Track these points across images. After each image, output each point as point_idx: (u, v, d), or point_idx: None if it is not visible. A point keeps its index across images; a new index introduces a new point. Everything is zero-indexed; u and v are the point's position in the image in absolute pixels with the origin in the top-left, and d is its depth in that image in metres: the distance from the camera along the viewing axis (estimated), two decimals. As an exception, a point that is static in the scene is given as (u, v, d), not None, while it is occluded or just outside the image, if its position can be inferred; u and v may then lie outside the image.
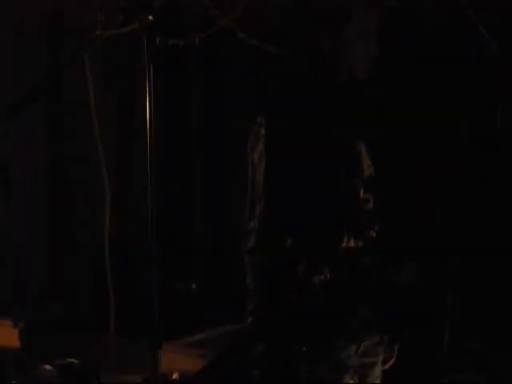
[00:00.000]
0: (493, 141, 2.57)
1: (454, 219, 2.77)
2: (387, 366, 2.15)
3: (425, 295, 2.13)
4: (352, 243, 2.03)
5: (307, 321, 2.00)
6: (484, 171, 2.78)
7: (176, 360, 2.75)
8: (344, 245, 2.02)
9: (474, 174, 2.86)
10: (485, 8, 2.52)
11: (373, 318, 2.03)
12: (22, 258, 3.96)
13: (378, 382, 2.14)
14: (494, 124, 2.46)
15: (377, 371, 2.12)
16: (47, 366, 2.81)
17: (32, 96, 2.68)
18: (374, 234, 2.08)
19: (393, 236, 2.11)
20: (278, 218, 2.00)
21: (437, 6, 2.96)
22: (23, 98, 2.46)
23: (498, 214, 2.80)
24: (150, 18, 2.64)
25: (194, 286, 3.48)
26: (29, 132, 3.90)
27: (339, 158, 2.01)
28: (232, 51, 3.55)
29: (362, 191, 2.07)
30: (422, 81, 2.19)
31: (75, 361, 2.75)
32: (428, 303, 2.16)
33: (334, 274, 2.00)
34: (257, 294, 2.03)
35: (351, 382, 2.03)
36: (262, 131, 2.02)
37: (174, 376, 2.68)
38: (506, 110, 2.53)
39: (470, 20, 2.36)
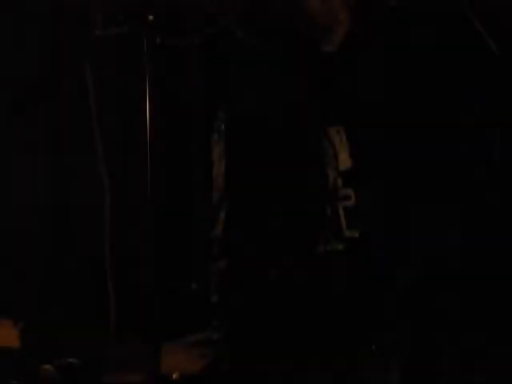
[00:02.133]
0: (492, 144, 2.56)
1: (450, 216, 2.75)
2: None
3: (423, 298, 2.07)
4: (330, 245, 1.94)
5: (279, 329, 1.95)
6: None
7: (176, 360, 2.75)
8: (320, 247, 1.93)
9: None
10: (485, 9, 2.51)
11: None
12: (21, 258, 3.96)
13: None
14: (495, 128, 2.45)
15: None
16: (47, 366, 2.81)
17: (32, 97, 2.69)
18: (357, 234, 1.98)
19: (379, 236, 2.00)
20: (241, 222, 1.93)
21: (436, 6, 2.96)
22: (23, 98, 2.47)
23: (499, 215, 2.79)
24: (151, 18, 2.65)
25: (194, 285, 3.48)
26: (29, 132, 3.90)
27: (309, 150, 1.91)
28: (232, 51, 3.55)
29: (339, 187, 1.95)
30: (421, 81, 2.15)
31: (75, 361, 2.75)
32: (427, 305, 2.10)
33: (309, 279, 1.93)
34: (221, 305, 1.97)
35: None
36: (223, 127, 1.95)
37: (174, 376, 2.68)
38: (507, 112, 2.52)
39: (470, 21, 2.34)
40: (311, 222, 1.94)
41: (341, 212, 1.98)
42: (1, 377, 2.87)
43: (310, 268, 1.94)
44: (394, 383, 1.97)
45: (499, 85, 2.47)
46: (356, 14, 1.94)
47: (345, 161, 1.98)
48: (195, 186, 3.66)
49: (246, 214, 1.92)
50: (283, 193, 1.93)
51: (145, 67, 2.65)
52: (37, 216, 4.16)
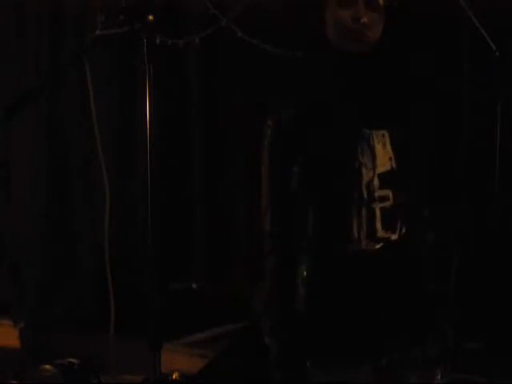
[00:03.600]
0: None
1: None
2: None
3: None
4: (364, 245, 1.93)
5: (318, 326, 1.95)
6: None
7: (176, 360, 2.75)
8: (354, 247, 1.93)
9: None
10: (485, 10, 2.51)
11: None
12: (22, 259, 3.96)
13: None
14: (494, 125, 2.45)
15: None
16: (47, 366, 2.81)
17: (32, 95, 2.68)
18: (395, 237, 1.97)
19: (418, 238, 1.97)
20: (288, 222, 1.95)
21: (437, 7, 2.96)
22: (24, 97, 2.46)
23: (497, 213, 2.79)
24: (151, 17, 2.63)
25: (194, 285, 3.48)
26: (29, 131, 3.90)
27: (345, 152, 1.92)
28: (232, 51, 3.55)
29: (376, 188, 1.96)
30: (422, 79, 2.14)
31: (75, 361, 2.75)
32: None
33: (342, 278, 1.93)
34: (270, 296, 1.98)
35: None
36: (269, 132, 1.98)
37: (174, 376, 2.68)
38: (506, 111, 2.52)
39: (470, 22, 2.34)
40: (345, 221, 1.95)
41: (377, 213, 1.99)
42: (1, 377, 2.86)
43: (343, 267, 1.96)
44: None
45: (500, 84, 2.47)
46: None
47: (384, 163, 1.99)
48: (195, 187, 3.66)
49: (291, 211, 1.96)
50: (319, 192, 1.96)
51: (145, 67, 2.63)
52: (36, 217, 4.17)
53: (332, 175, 1.92)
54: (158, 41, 3.37)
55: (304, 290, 1.95)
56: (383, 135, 1.94)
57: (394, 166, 1.95)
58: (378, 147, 1.95)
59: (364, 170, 1.93)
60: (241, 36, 3.37)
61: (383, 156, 1.94)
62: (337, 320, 1.93)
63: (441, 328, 2.01)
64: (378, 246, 1.92)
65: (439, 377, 2.00)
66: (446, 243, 2.04)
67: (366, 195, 1.93)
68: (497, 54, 2.24)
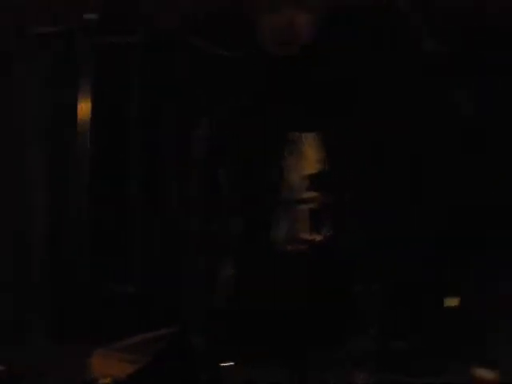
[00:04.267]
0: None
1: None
2: None
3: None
4: (288, 246, 1.95)
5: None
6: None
7: (108, 365, 2.72)
8: (279, 247, 1.94)
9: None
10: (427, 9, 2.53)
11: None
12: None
13: None
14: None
15: None
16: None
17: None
18: (320, 238, 2.00)
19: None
20: (217, 222, 1.96)
21: (379, 7, 2.97)
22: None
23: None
24: (89, 17, 2.61)
25: (130, 288, 3.44)
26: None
27: (272, 155, 1.93)
28: (176, 52, 3.53)
29: (303, 190, 1.97)
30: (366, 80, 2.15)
31: (2, 367, 2.69)
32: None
33: (268, 277, 1.95)
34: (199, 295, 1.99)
35: None
36: (200, 134, 1.98)
37: (107, 381, 2.65)
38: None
39: (412, 21, 2.36)
40: (270, 223, 1.95)
41: (303, 215, 2.00)
42: None
43: (268, 267, 1.96)
44: None
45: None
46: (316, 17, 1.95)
47: (313, 166, 1.99)
48: (133, 189, 3.63)
49: (219, 212, 1.96)
50: (244, 193, 1.95)
51: (83, 67, 2.60)
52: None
53: (257, 177, 1.93)
54: (98, 40, 3.34)
55: (229, 290, 1.96)
56: (314, 137, 1.95)
57: (323, 168, 1.96)
58: (308, 149, 1.96)
59: (291, 173, 1.94)
60: (182, 37, 3.36)
61: (312, 158, 1.94)
62: (260, 320, 1.94)
63: (366, 329, 2.03)
64: (302, 248, 1.94)
65: (361, 377, 2.03)
66: (377, 246, 2.06)
67: (292, 197, 1.94)
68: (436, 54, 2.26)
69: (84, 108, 2.64)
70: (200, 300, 1.99)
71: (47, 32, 2.66)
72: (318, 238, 1.97)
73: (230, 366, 1.94)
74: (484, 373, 2.57)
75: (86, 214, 2.49)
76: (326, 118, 1.99)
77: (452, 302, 2.81)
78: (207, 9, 3.33)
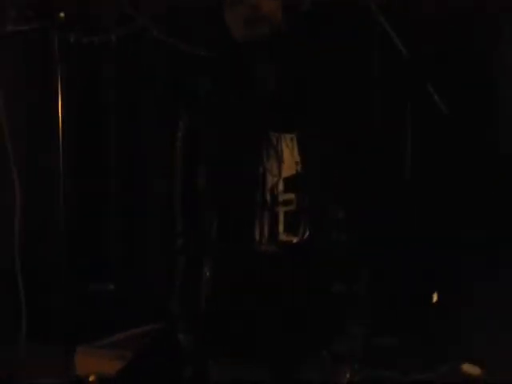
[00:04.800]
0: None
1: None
2: None
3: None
4: (265, 247, 1.94)
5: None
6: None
7: (92, 362, 2.71)
8: (256, 248, 1.93)
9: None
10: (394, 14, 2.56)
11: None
12: None
13: None
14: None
15: None
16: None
17: None
18: (296, 240, 1.97)
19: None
20: (195, 223, 1.96)
21: (348, 11, 3.00)
22: None
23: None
24: (62, 15, 2.60)
25: (110, 286, 3.44)
26: None
27: (249, 157, 1.92)
28: (149, 50, 3.52)
29: (279, 192, 1.96)
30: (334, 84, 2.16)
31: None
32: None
33: (245, 277, 1.94)
34: (180, 294, 1.99)
35: None
36: (179, 135, 1.97)
37: (91, 379, 2.64)
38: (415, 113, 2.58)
39: (381, 27, 2.38)
40: (247, 224, 1.95)
41: (280, 216, 1.99)
42: None
43: (245, 268, 1.96)
44: None
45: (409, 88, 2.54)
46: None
47: (291, 168, 1.97)
48: (110, 187, 3.61)
49: (197, 213, 1.95)
50: (222, 194, 1.95)
51: (56, 65, 2.59)
52: None
53: (235, 178, 1.92)
54: (71, 39, 3.31)
55: (207, 290, 1.96)
56: (291, 139, 1.94)
57: (300, 170, 1.95)
58: (286, 151, 1.95)
59: (269, 175, 1.94)
60: (157, 35, 3.35)
61: (290, 160, 1.94)
62: (239, 320, 1.94)
63: (350, 327, 2.04)
64: (279, 249, 1.94)
65: (348, 375, 2.03)
66: (356, 244, 2.07)
67: (269, 199, 1.94)
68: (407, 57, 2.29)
69: (57, 106, 2.62)
70: (180, 300, 1.99)
71: (20, 30, 2.62)
72: (294, 239, 1.98)
73: (216, 363, 1.95)
74: (470, 368, 2.61)
75: (64, 213, 2.47)
76: (303, 118, 1.99)
77: (435, 297, 2.84)
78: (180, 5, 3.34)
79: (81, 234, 3.33)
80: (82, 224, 3.42)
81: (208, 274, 1.95)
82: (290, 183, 1.94)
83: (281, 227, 1.94)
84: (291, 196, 1.94)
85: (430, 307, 2.81)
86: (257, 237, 1.92)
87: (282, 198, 1.94)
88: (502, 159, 2.96)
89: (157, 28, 3.39)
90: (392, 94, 2.89)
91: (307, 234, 1.96)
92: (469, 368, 2.59)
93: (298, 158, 1.95)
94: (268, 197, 1.93)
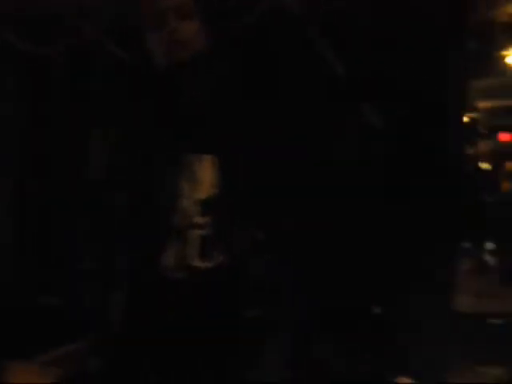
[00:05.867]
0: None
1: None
2: None
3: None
4: (177, 273, 1.86)
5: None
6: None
7: (27, 379, 2.65)
8: (168, 273, 1.85)
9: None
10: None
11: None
12: None
13: None
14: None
15: None
16: None
17: None
18: (210, 265, 1.89)
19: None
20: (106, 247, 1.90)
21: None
22: None
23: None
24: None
25: (54, 301, 3.37)
26: None
27: (161, 179, 1.84)
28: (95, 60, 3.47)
29: (193, 215, 1.87)
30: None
31: None
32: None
33: (157, 303, 1.88)
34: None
35: None
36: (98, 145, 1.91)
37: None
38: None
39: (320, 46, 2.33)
40: (158, 249, 1.86)
41: (193, 241, 1.90)
42: None
43: (156, 293, 1.88)
44: None
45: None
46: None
47: (207, 190, 1.88)
48: (56, 196, 3.55)
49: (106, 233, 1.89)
50: (131, 220, 1.87)
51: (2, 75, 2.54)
52: None
53: (145, 203, 1.85)
54: (19, 48, 3.26)
55: (119, 314, 1.90)
56: (209, 160, 1.86)
57: (217, 191, 1.86)
58: (202, 173, 1.85)
59: (182, 198, 1.85)
60: (102, 46, 3.31)
61: (206, 182, 1.85)
62: (153, 347, 1.87)
63: (268, 354, 1.98)
64: (192, 274, 1.86)
65: None
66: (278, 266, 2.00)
67: (181, 223, 1.85)
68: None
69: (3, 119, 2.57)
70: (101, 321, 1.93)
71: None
72: (209, 264, 1.88)
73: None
74: (404, 381, 2.59)
75: (11, 227, 2.41)
76: (219, 140, 1.92)
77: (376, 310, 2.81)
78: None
79: (27, 247, 3.27)
80: (29, 237, 3.36)
81: (119, 298, 1.88)
82: (206, 206, 1.85)
83: (193, 252, 1.86)
84: (206, 219, 1.85)
85: (366, 320, 2.77)
86: (168, 262, 1.84)
87: (195, 221, 1.85)
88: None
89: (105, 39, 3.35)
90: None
91: (221, 258, 1.88)
92: (404, 381, 2.57)
93: (215, 180, 1.87)
94: (180, 221, 1.84)
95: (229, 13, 2.02)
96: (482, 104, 5.23)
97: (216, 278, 1.89)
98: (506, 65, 4.37)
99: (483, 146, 5.46)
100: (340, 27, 2.51)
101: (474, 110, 5.10)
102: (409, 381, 2.57)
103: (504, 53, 4.28)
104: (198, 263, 1.87)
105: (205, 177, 1.86)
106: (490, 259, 4.77)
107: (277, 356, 2.00)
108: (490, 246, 4.83)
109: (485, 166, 5.43)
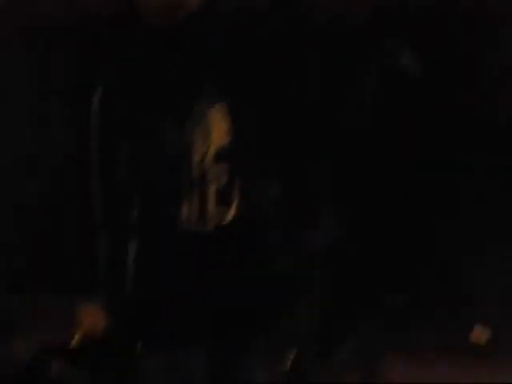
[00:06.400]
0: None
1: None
2: None
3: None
4: (196, 225, 1.77)
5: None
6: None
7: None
8: (186, 227, 1.76)
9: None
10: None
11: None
12: None
13: None
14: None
15: None
16: None
17: None
18: (230, 216, 1.80)
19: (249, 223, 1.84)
20: (117, 204, 1.78)
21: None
22: None
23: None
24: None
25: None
26: None
27: (176, 130, 1.76)
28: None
29: (209, 165, 1.80)
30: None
31: None
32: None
33: (173, 258, 1.78)
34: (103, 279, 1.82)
35: None
36: (97, 99, 1.79)
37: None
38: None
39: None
40: (175, 201, 1.77)
41: (210, 191, 1.81)
42: None
43: (173, 248, 1.78)
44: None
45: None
46: None
47: (221, 137, 1.81)
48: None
49: (118, 195, 1.77)
50: (143, 172, 1.77)
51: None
52: None
53: (157, 152, 1.76)
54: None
55: (134, 271, 1.78)
56: (221, 107, 1.80)
57: (232, 139, 1.80)
58: (215, 120, 1.80)
59: (196, 148, 1.78)
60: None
61: (220, 129, 1.79)
62: (168, 301, 1.77)
63: (296, 309, 1.90)
64: (211, 226, 1.78)
65: (289, 364, 1.89)
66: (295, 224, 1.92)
67: (197, 174, 1.78)
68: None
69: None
70: (105, 289, 1.80)
71: None
72: (227, 215, 1.79)
73: (148, 348, 1.78)
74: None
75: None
76: (233, 85, 1.85)
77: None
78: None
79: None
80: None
81: (134, 254, 1.77)
82: (222, 153, 1.78)
83: (212, 203, 1.78)
84: (223, 167, 1.78)
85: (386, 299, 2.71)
86: (185, 215, 1.75)
87: (212, 170, 1.78)
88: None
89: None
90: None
91: (241, 208, 1.80)
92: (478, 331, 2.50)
93: (228, 126, 1.80)
94: (196, 172, 1.77)
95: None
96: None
97: (235, 230, 1.80)
98: None
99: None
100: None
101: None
102: (484, 330, 2.51)
103: None
104: (216, 213, 1.77)
105: (218, 124, 1.78)
106: None
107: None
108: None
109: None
